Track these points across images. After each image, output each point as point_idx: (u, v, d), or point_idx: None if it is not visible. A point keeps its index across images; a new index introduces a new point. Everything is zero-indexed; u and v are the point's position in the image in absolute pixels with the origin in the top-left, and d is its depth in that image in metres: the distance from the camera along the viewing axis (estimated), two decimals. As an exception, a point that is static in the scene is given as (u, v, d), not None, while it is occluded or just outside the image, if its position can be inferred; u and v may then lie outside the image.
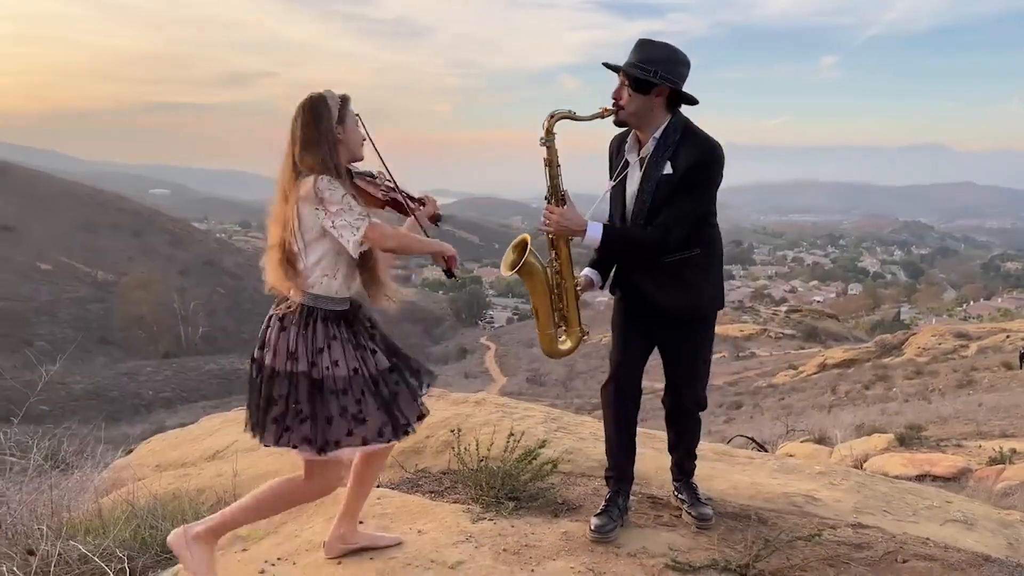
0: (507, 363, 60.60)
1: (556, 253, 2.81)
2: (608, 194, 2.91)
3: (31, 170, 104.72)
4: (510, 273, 2.77)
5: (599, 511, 2.88)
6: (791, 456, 3.94)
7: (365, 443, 2.35)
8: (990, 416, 17.11)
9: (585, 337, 2.85)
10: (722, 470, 3.56)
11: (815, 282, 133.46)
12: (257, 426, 2.37)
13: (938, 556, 2.76)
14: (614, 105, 2.72)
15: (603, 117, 2.72)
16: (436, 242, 2.50)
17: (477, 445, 3.26)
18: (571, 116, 2.70)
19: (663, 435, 4.30)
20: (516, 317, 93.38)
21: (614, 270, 2.94)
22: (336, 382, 2.32)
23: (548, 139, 2.70)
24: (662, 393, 3.04)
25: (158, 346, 69.70)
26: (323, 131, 2.33)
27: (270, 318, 2.40)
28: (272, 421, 2.33)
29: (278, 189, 2.37)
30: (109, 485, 5.64)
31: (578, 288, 2.85)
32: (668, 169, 2.68)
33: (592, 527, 2.80)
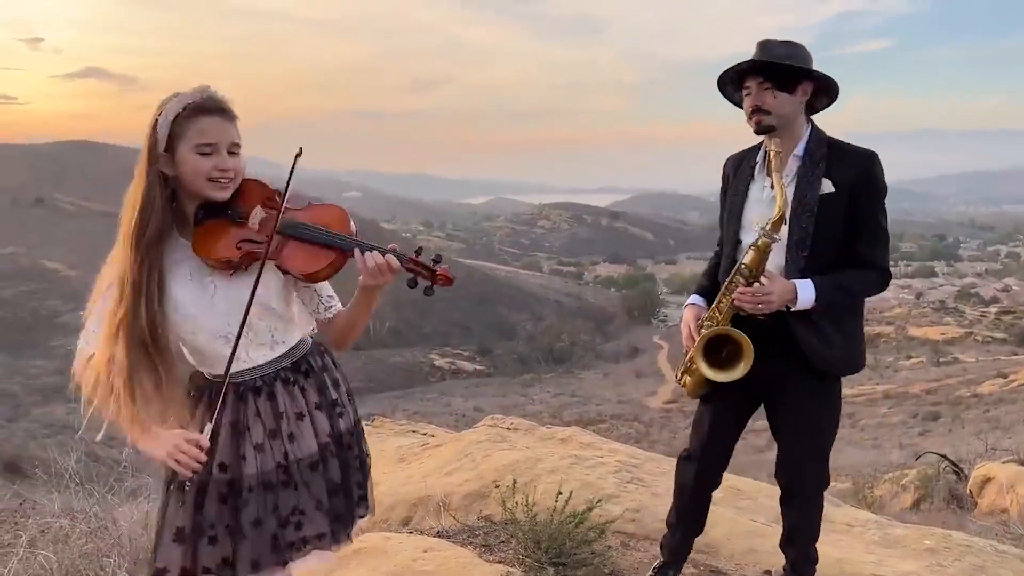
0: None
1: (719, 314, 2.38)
2: (723, 216, 2.49)
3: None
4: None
5: None
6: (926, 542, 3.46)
7: None
8: None
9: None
10: (812, 541, 3.12)
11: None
12: None
13: None
14: (755, 111, 2.28)
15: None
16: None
17: (526, 498, 3.06)
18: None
19: (751, 489, 3.88)
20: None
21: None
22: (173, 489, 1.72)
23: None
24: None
25: (348, 338, 74.45)
26: (138, 172, 1.62)
27: None
28: None
29: None
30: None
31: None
32: (828, 187, 2.26)
33: None
